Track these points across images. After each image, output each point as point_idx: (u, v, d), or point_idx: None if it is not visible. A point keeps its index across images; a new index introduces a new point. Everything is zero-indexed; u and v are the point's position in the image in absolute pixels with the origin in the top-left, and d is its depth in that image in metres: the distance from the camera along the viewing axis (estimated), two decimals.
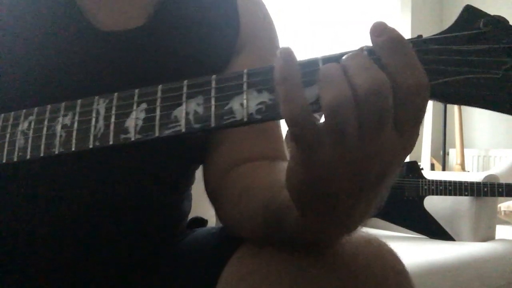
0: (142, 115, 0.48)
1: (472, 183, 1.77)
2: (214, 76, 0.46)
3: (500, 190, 1.77)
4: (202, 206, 0.84)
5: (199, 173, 0.79)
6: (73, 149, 0.50)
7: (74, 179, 0.66)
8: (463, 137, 3.39)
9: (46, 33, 0.67)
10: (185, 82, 0.47)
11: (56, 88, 0.66)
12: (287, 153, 0.73)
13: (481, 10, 0.42)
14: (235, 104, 0.45)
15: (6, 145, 0.54)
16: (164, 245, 0.74)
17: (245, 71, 0.45)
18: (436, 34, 0.43)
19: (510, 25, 0.42)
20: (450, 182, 1.77)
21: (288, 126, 0.41)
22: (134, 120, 0.48)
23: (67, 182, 0.66)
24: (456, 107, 3.30)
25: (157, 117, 0.47)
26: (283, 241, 0.55)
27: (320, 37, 3.42)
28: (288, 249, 0.54)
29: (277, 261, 0.54)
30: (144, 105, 0.48)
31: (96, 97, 0.51)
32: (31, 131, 0.53)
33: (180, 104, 0.46)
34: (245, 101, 0.44)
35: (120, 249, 0.70)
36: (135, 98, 0.49)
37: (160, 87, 0.48)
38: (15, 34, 0.67)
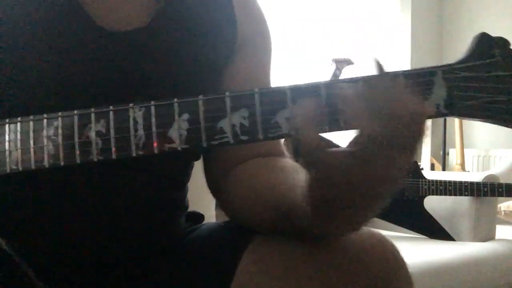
0: (185, 125, 0.50)
1: (472, 183, 1.77)
2: (257, 90, 0.49)
3: (500, 190, 1.77)
4: (200, 203, 0.85)
5: (196, 171, 0.81)
6: (113, 157, 0.51)
7: (84, 178, 0.66)
8: (463, 137, 3.38)
9: (51, 31, 0.67)
10: (227, 93, 0.49)
11: (61, 87, 0.66)
12: (285, 149, 0.77)
13: (494, 38, 0.50)
14: (280, 118, 0.48)
15: (32, 151, 0.53)
16: (175, 238, 0.77)
17: (287, 86, 0.48)
18: (459, 61, 0.50)
19: None
20: (450, 182, 1.77)
21: (303, 158, 0.48)
22: (177, 130, 0.50)
23: (76, 181, 0.66)
24: None
25: (202, 128, 0.49)
26: (291, 232, 0.60)
27: (319, 36, 3.42)
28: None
29: (292, 245, 0.60)
30: (186, 115, 0.50)
31: (131, 105, 0.51)
32: (60, 137, 0.52)
33: (224, 116, 0.49)
34: (290, 116, 0.48)
35: (126, 246, 0.70)
36: (175, 108, 0.50)
37: (200, 97, 0.50)
38: (21, 34, 0.67)
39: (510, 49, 0.49)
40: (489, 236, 1.84)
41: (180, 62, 0.71)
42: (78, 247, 0.68)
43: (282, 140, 0.77)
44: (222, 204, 0.76)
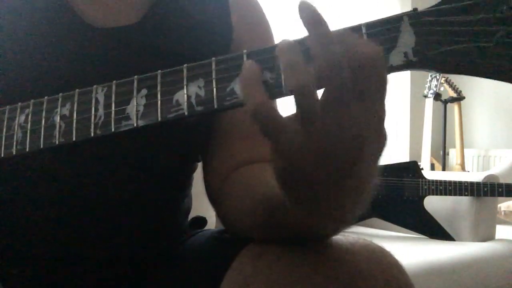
0: (143, 101, 0.48)
1: (472, 183, 1.77)
2: (213, 58, 0.46)
3: (500, 190, 1.77)
4: (201, 206, 0.84)
5: (197, 174, 0.81)
6: (74, 139, 0.50)
7: (76, 176, 0.66)
8: (463, 137, 3.38)
9: (37, 29, 0.67)
10: (185, 65, 0.47)
11: (48, 84, 0.66)
12: None
13: None
14: (236, 85, 0.45)
15: (3, 139, 0.54)
16: (167, 245, 0.75)
17: (244, 51, 0.45)
18: (432, 6, 0.43)
19: None
20: (450, 182, 1.77)
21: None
22: (135, 106, 0.48)
23: (69, 180, 0.66)
24: (456, 107, 3.29)
25: (158, 102, 0.47)
26: (280, 235, 0.56)
27: None
28: (290, 254, 0.54)
29: (279, 265, 0.54)
30: (144, 91, 0.48)
31: (95, 86, 0.50)
32: (29, 124, 0.53)
33: (181, 88, 0.47)
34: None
35: (123, 247, 0.70)
36: (135, 84, 0.49)
37: (159, 72, 0.48)
38: (8, 32, 0.67)
39: None
40: (489, 236, 1.84)
41: (170, 60, 0.70)
42: (78, 246, 0.68)
43: None
44: (218, 213, 0.74)
